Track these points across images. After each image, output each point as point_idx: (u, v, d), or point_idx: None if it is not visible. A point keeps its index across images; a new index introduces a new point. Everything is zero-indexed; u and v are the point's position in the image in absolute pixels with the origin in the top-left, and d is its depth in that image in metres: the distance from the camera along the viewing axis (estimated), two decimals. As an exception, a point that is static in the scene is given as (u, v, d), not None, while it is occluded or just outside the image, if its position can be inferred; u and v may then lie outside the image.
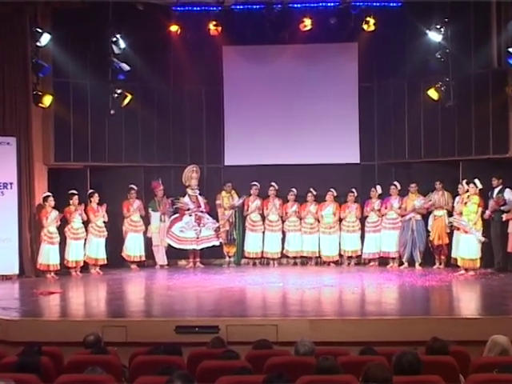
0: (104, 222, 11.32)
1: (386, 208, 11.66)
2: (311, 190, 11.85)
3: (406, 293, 8.98)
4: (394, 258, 11.65)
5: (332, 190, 11.91)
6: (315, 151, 12.40)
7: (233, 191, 12.16)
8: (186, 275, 10.82)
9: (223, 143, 12.73)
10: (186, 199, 12.04)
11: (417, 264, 11.31)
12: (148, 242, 11.87)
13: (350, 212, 11.82)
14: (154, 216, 11.93)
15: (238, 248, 12.15)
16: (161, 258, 11.93)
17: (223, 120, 12.69)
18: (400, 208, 11.54)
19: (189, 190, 12.11)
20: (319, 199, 11.91)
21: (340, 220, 11.88)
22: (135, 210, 11.64)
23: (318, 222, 11.84)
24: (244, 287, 9.43)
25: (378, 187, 11.82)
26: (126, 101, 11.26)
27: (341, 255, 11.94)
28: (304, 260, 12.03)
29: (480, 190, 10.47)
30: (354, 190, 11.88)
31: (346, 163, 12.41)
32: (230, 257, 12.19)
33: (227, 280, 10.15)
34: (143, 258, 11.73)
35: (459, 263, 10.49)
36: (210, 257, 12.36)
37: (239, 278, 10.25)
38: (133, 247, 11.62)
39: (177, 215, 12.02)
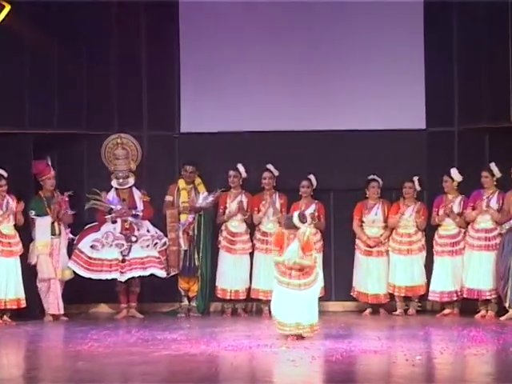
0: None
1: (473, 209, 11.75)
2: None
3: (509, 364, 8.97)
4: (488, 301, 11.75)
5: (375, 177, 12.13)
6: (347, 109, 12.60)
7: (198, 180, 12.30)
8: (112, 333, 10.87)
9: (178, 94, 12.86)
10: (111, 194, 12.18)
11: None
12: (30, 274, 11.93)
13: (405, 217, 11.99)
14: (41, 224, 11.97)
15: (204, 283, 12.24)
16: (53, 301, 11.99)
17: (178, 52, 12.83)
18: (500, 210, 11.62)
19: (114, 180, 12.27)
20: (350, 195, 12.17)
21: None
22: (6, 213, 11.69)
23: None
24: (217, 355, 9.38)
25: (454, 171, 11.93)
26: (2, 16, 11.25)
27: (391, 295, 12.17)
28: (326, 303, 12.23)
29: None
30: (415, 178, 12.06)
31: (401, 129, 12.61)
32: (189, 299, 12.30)
33: (186, 342, 10.14)
34: (22, 304, 11.78)
35: None
36: (156, 299, 12.51)
37: (207, 338, 10.30)
38: (4, 284, 11.64)
39: (94, 224, 12.18)
